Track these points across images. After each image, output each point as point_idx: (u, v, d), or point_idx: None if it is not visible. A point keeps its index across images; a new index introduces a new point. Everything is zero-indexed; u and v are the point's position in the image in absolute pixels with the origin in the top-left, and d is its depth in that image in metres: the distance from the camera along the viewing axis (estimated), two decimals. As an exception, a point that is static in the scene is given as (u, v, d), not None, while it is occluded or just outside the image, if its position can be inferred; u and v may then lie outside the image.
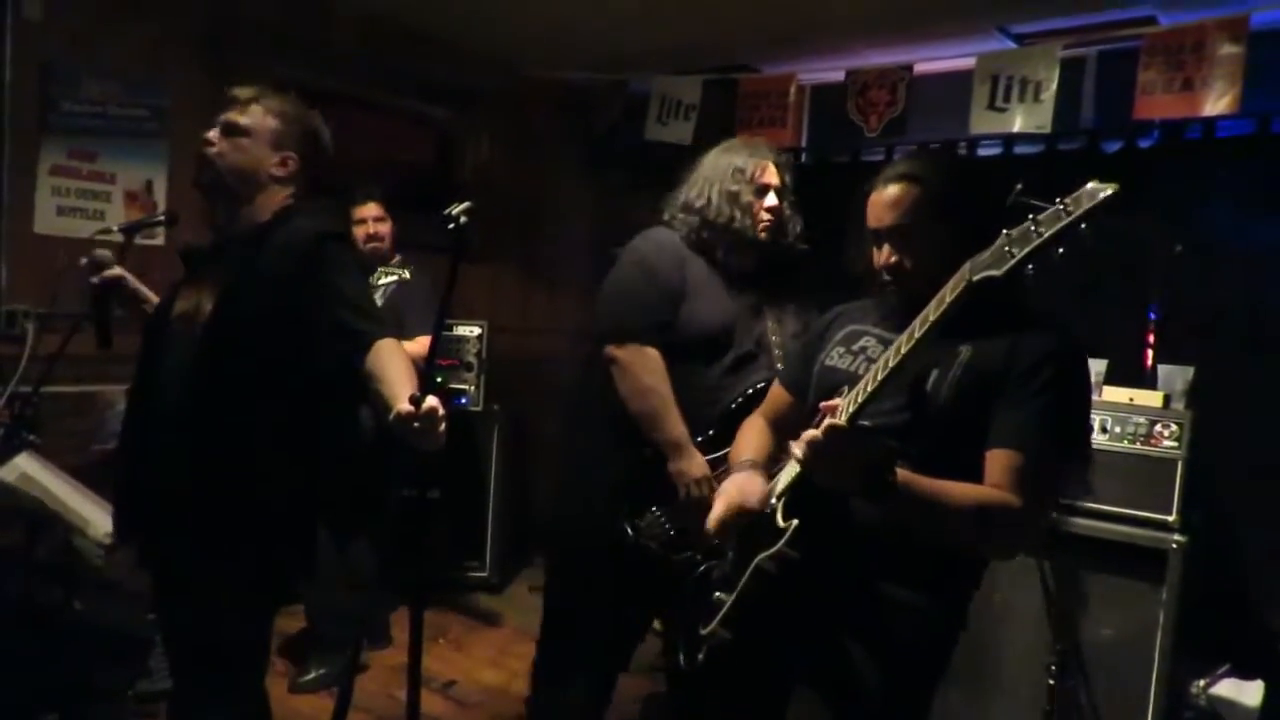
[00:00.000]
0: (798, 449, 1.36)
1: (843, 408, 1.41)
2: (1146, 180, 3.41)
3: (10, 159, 3.10)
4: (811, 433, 1.34)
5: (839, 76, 3.96)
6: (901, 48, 3.83)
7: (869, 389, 1.38)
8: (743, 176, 2.19)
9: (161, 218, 2.63)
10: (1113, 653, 2.68)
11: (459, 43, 4.39)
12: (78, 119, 3.24)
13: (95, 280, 1.94)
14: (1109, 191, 1.22)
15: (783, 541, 1.46)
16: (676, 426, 2.11)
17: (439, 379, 4.03)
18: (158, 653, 2.65)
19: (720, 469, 2.07)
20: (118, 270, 1.96)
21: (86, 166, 3.28)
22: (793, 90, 4.08)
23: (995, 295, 1.35)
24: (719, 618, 1.60)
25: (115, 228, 2.29)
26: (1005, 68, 3.49)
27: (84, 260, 1.96)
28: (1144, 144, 3.45)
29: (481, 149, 4.70)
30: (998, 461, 1.42)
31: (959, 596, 1.58)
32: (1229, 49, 3.03)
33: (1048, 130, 3.43)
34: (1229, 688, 2.82)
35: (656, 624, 2.56)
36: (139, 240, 2.40)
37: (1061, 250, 1.26)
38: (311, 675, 3.14)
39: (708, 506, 2.02)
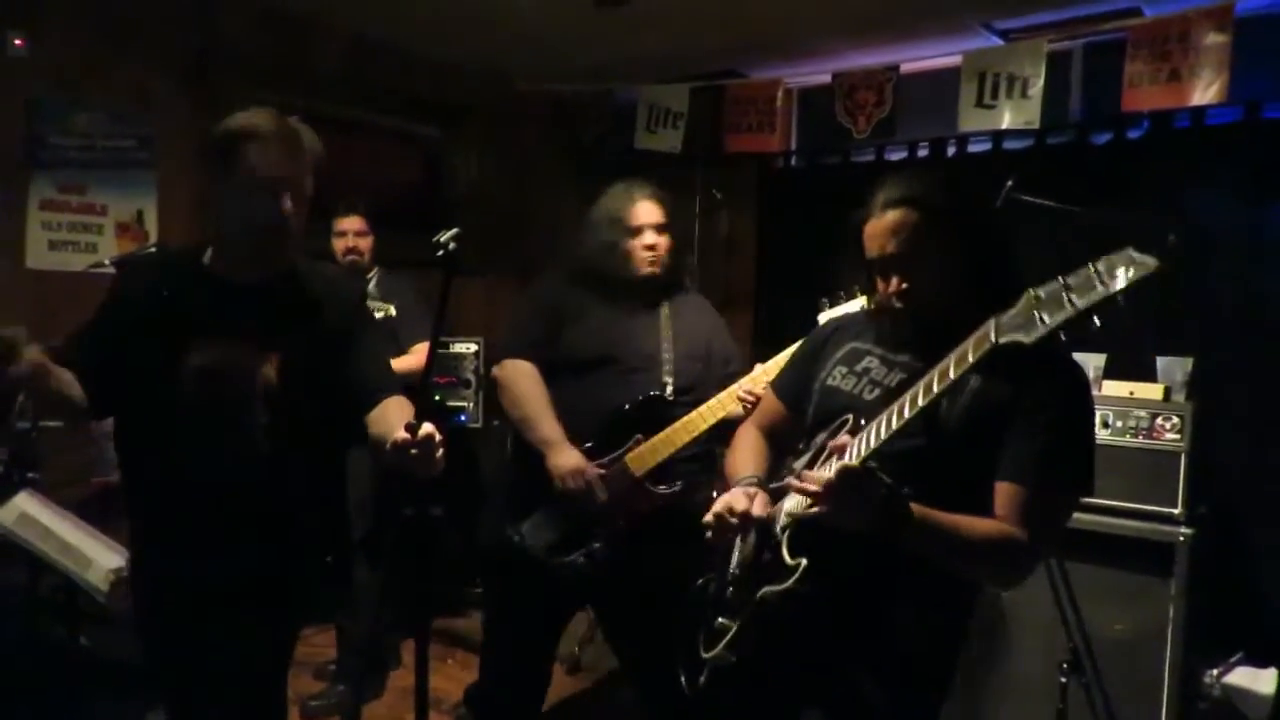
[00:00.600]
0: (808, 486, 1.36)
1: (853, 449, 1.40)
2: (1137, 171, 3.42)
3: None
4: (823, 475, 1.34)
5: (826, 79, 3.96)
6: (887, 48, 3.83)
7: (881, 434, 1.37)
8: (619, 224, 2.35)
9: (153, 249, 2.63)
10: (1124, 647, 2.67)
11: (445, 60, 4.40)
12: (66, 152, 3.24)
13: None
14: (1151, 269, 1.14)
15: (793, 580, 1.44)
16: (548, 427, 2.27)
17: (436, 396, 4.02)
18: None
19: (609, 471, 2.25)
20: (35, 357, 1.63)
21: (76, 199, 3.28)
22: (780, 94, 4.08)
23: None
24: (724, 642, 1.58)
25: (108, 260, 2.30)
26: (992, 64, 3.49)
27: None
28: (1134, 135, 3.45)
29: (471, 165, 4.70)
30: (1004, 494, 1.42)
31: (960, 610, 1.58)
32: (1215, 38, 3.03)
33: (1036, 125, 3.43)
34: (1243, 676, 2.81)
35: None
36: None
37: (1099, 322, 1.19)
38: (321, 701, 3.13)
39: (585, 500, 2.19)
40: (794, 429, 1.74)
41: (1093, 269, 1.17)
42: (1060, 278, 1.20)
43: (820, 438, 1.55)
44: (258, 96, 3.76)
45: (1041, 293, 1.21)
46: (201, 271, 1.75)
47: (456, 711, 3.14)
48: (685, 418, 2.29)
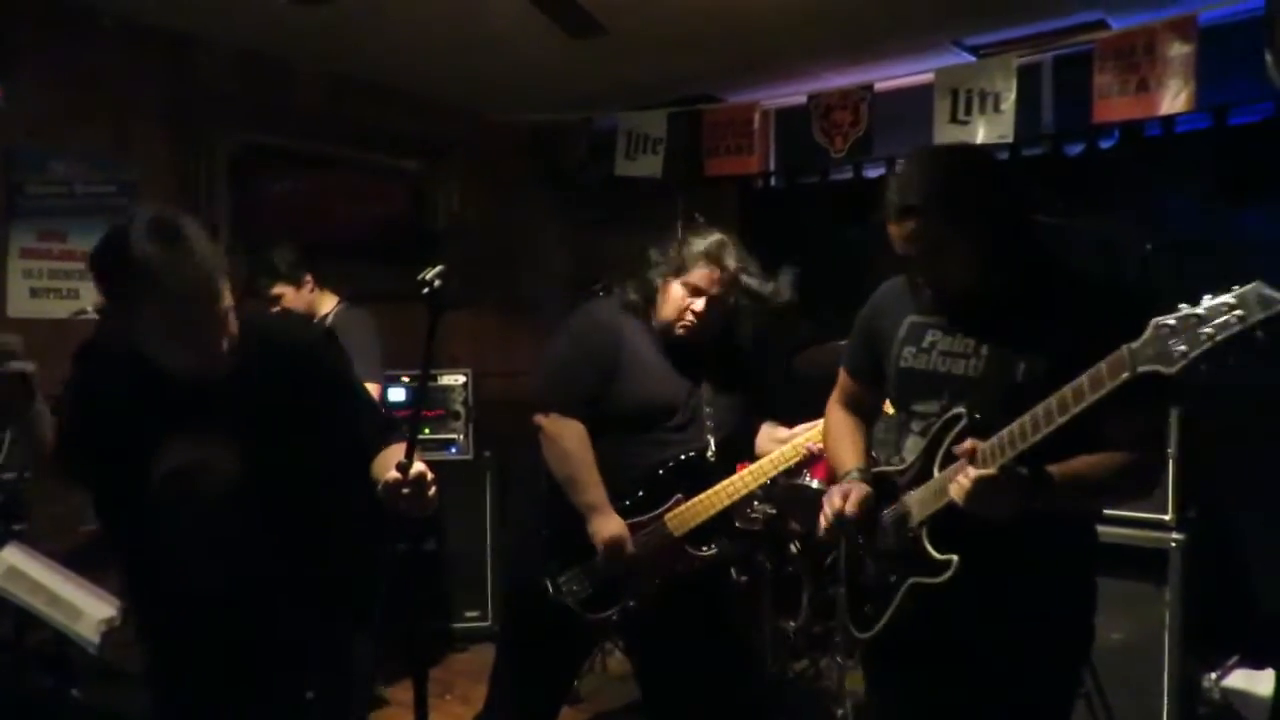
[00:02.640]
0: (953, 491, 1.47)
1: (985, 453, 1.46)
2: (1111, 180, 3.47)
3: (-21, 245, 3.08)
4: (963, 482, 1.44)
5: (802, 100, 4.01)
6: (861, 68, 3.89)
7: (1018, 445, 1.43)
8: (681, 272, 2.26)
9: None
10: (1123, 655, 2.67)
11: (423, 94, 4.42)
12: (45, 200, 3.23)
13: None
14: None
15: (947, 574, 1.53)
16: (592, 491, 2.23)
17: (426, 429, 4.01)
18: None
19: (648, 529, 2.25)
20: (29, 366, 1.62)
21: (57, 247, 3.27)
22: (757, 117, 4.12)
23: (1028, 276, 1.54)
24: (880, 625, 1.67)
25: (91, 307, 2.28)
26: (964, 81, 3.55)
27: None
28: (1105, 145, 3.50)
29: (452, 197, 4.71)
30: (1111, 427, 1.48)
31: (1089, 565, 1.69)
32: (1180, 48, 3.08)
33: (1010, 139, 3.47)
34: (1241, 679, 2.82)
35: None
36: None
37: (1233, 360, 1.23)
38: None
39: (623, 566, 2.20)
40: (876, 399, 1.90)
41: (1223, 301, 1.21)
42: (1187, 307, 1.23)
43: (927, 426, 1.65)
44: (237, 138, 3.80)
45: (1170, 321, 1.24)
46: (153, 368, 1.61)
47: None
48: (726, 481, 2.27)
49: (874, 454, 1.88)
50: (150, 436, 1.62)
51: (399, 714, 3.34)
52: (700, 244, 2.27)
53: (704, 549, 2.28)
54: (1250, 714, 2.76)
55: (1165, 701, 2.63)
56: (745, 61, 3.90)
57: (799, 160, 4.24)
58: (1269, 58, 2.90)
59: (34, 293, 3.22)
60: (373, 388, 3.27)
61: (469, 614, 4.07)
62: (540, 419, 2.30)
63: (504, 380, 4.61)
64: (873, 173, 4.10)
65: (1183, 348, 1.22)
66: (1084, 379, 1.36)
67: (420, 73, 4.14)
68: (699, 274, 2.24)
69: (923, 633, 1.63)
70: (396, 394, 4.00)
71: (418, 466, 1.50)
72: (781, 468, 2.31)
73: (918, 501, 1.62)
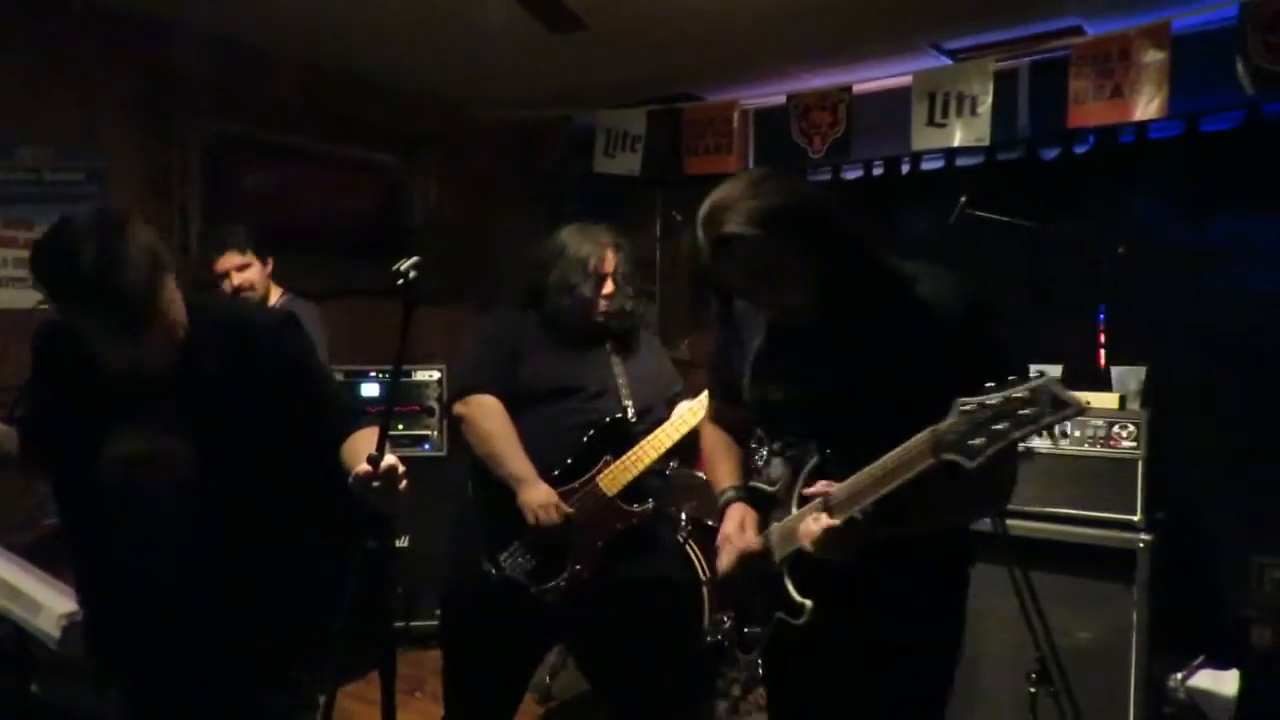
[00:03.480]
0: (803, 539, 1.47)
1: (837, 500, 1.45)
2: (1085, 185, 3.50)
3: (-57, 232, 3.02)
4: (813, 529, 1.44)
5: (781, 100, 4.02)
6: (840, 69, 3.90)
7: (861, 501, 1.41)
8: (583, 269, 2.35)
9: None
10: (1090, 655, 2.70)
11: (401, 88, 4.39)
12: (11, 187, 3.17)
13: None
14: (1075, 414, 1.22)
15: (804, 617, 1.53)
16: (515, 462, 2.27)
17: (399, 425, 3.98)
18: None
19: (581, 493, 2.31)
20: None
21: (24, 235, 3.20)
22: (736, 116, 4.13)
23: (864, 297, 1.51)
24: (756, 651, 1.68)
25: (55, 297, 2.24)
26: (942, 84, 3.57)
27: None
28: (1080, 150, 3.53)
29: (429, 192, 4.68)
30: None
31: (958, 584, 1.67)
32: (1153, 55, 3.12)
33: (987, 142, 3.50)
34: (1206, 679, 2.85)
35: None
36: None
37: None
38: None
39: (558, 529, 2.23)
40: (743, 418, 1.81)
41: (1019, 396, 1.22)
42: (983, 400, 1.24)
43: (785, 450, 1.63)
44: (209, 126, 3.75)
45: (970, 406, 1.25)
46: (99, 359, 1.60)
47: (426, 747, 3.08)
48: (651, 435, 2.36)
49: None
50: (99, 426, 1.60)
51: (368, 711, 3.31)
52: (577, 235, 2.42)
53: (638, 505, 2.35)
54: (1215, 714, 2.79)
55: (1132, 701, 2.66)
56: (725, 61, 3.90)
57: (777, 160, 4.24)
58: (1240, 66, 2.94)
59: (0, 282, 3.15)
60: None
61: (439, 612, 4.04)
62: (459, 407, 2.39)
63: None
64: (851, 174, 4.12)
65: (980, 441, 1.24)
66: (895, 457, 1.36)
67: (399, 65, 4.10)
68: (595, 261, 2.36)
69: (798, 659, 1.66)
70: (369, 389, 3.97)
71: (389, 460, 1.48)
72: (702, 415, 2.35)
73: (778, 537, 1.61)
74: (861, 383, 1.50)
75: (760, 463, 1.72)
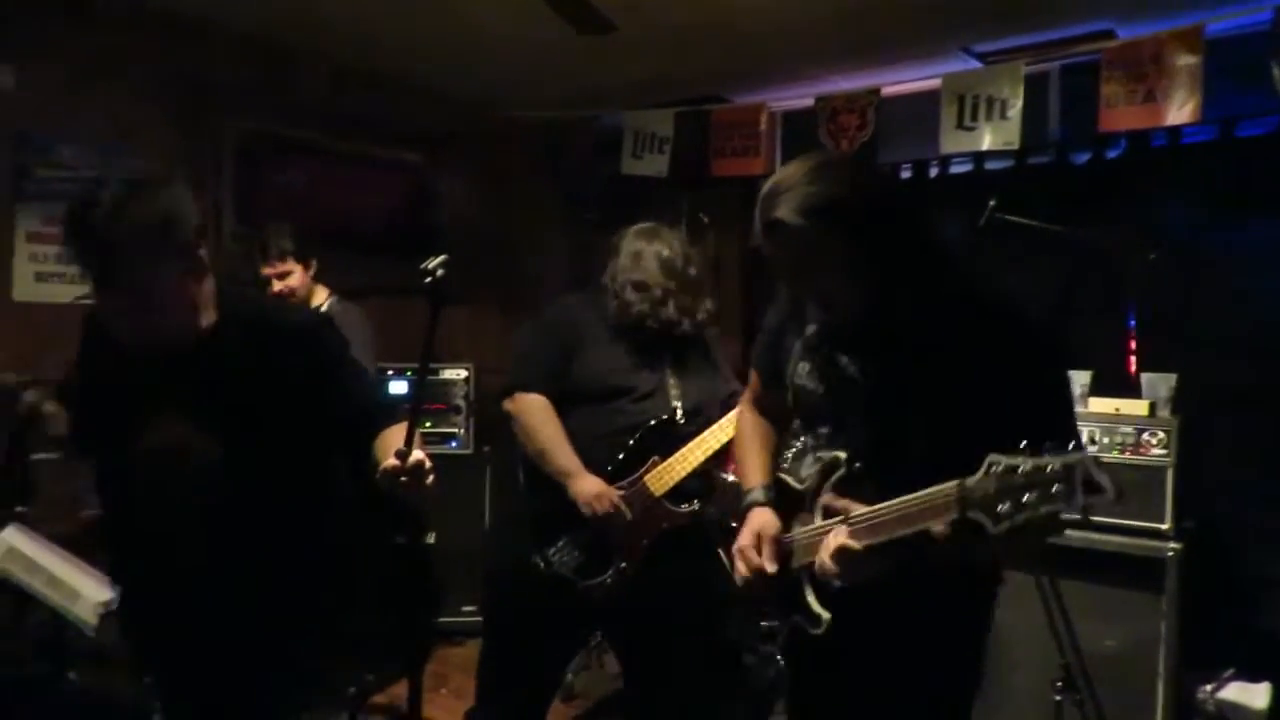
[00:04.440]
0: (820, 555, 1.43)
1: (858, 524, 1.42)
2: (1117, 190, 3.47)
3: (-14, 228, 3.09)
4: (829, 548, 1.41)
5: (809, 102, 4.01)
6: (869, 72, 3.89)
7: (880, 536, 1.38)
8: (669, 269, 2.38)
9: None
10: (1117, 664, 2.67)
11: (429, 87, 4.43)
12: (52, 185, 3.24)
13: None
14: (1107, 500, 1.16)
15: (821, 629, 1.51)
16: (564, 457, 2.31)
17: (427, 423, 4.02)
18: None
19: (629, 492, 2.32)
20: (50, 408, 1.80)
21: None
22: (764, 119, 4.13)
23: (921, 301, 1.43)
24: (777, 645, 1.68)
25: (95, 293, 2.29)
26: (971, 87, 3.55)
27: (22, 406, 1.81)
28: (1112, 154, 3.50)
29: (456, 191, 4.72)
30: None
31: (984, 600, 1.61)
32: (1186, 59, 3.09)
33: (1016, 146, 3.48)
34: (1236, 691, 2.82)
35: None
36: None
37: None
38: None
39: (611, 522, 2.25)
40: (782, 403, 1.75)
41: (1054, 469, 1.16)
42: (1015, 464, 1.19)
43: (818, 451, 1.59)
44: (243, 126, 3.81)
45: (1002, 465, 1.21)
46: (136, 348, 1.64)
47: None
48: (699, 436, 2.37)
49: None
50: (134, 416, 1.62)
51: (392, 704, 3.35)
52: (658, 238, 2.45)
53: (685, 506, 2.36)
54: (1243, 726, 2.76)
55: (1159, 712, 2.63)
56: (753, 63, 3.91)
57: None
58: (1275, 70, 2.91)
59: (39, 277, 3.22)
60: None
61: (465, 608, 4.07)
62: (507, 404, 2.41)
63: (505, 376, 4.62)
64: (878, 177, 4.10)
65: (1006, 508, 1.20)
66: (920, 501, 1.32)
67: (428, 66, 4.14)
68: (655, 271, 2.38)
69: (814, 663, 1.66)
70: (397, 387, 4.01)
71: (416, 454, 1.50)
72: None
73: (800, 545, 1.59)
74: (899, 399, 1.45)
75: (792, 454, 1.69)
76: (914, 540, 1.35)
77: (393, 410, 1.76)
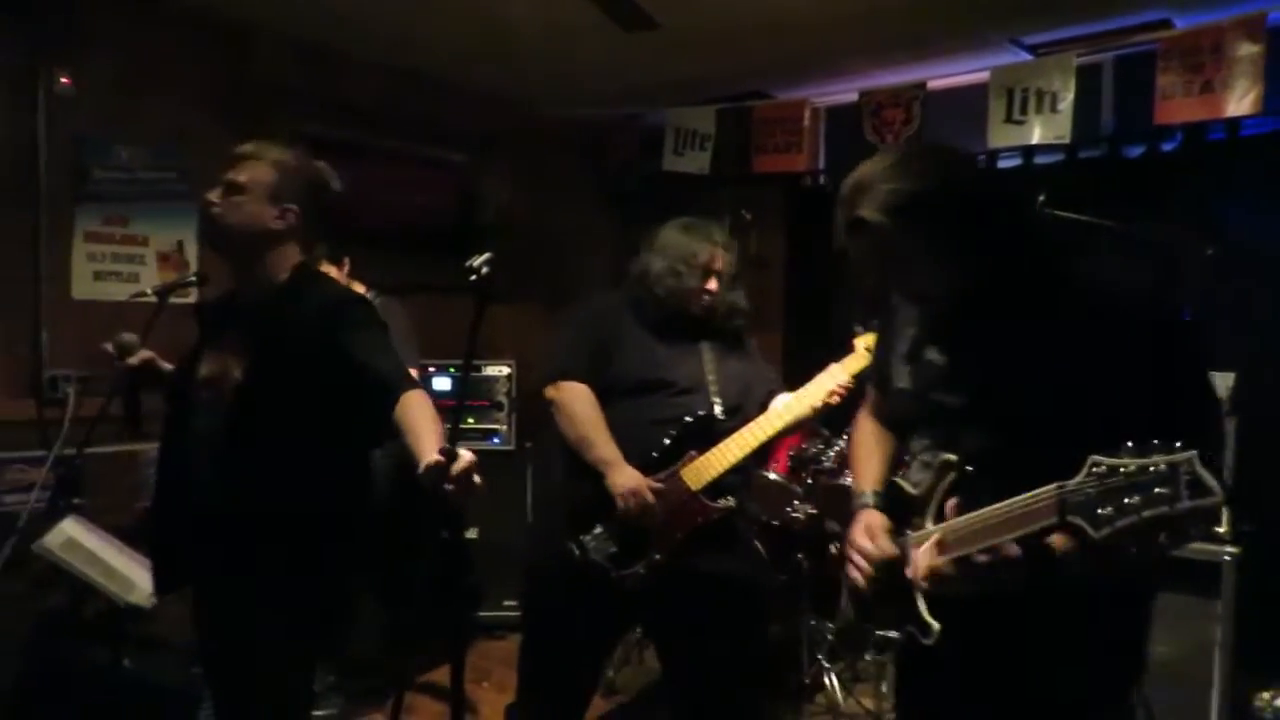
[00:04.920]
0: (918, 571, 1.39)
1: (954, 534, 1.36)
2: (1172, 184, 3.38)
3: (47, 229, 3.19)
4: (922, 566, 1.38)
5: (853, 97, 3.97)
6: (914, 65, 3.84)
7: (972, 545, 1.33)
8: (694, 261, 2.40)
9: (193, 278, 2.68)
10: (1171, 670, 2.60)
11: (474, 88, 4.47)
12: (109, 186, 3.33)
13: (121, 365, 1.96)
14: (1216, 502, 1.08)
15: (930, 641, 1.43)
16: (604, 447, 2.32)
17: (470, 419, 4.07)
18: (206, 707, 2.66)
19: (665, 486, 2.32)
20: (146, 354, 1.98)
21: (120, 231, 3.37)
22: (807, 114, 4.10)
23: (1028, 292, 1.36)
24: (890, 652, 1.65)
25: (150, 290, 2.35)
26: (1021, 79, 3.49)
27: (108, 346, 1.99)
28: (1167, 148, 3.41)
29: (500, 190, 4.75)
30: None
31: (1128, 620, 1.48)
32: (1247, 48, 3.00)
33: (1067, 140, 3.41)
34: (1295, 699, 2.73)
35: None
36: (173, 300, 2.46)
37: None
38: (322, 712, 3.14)
39: (644, 516, 2.25)
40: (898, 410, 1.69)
41: (1158, 470, 1.11)
42: (1117, 464, 1.14)
43: (927, 456, 1.53)
44: (293, 127, 3.87)
45: (1104, 466, 1.15)
46: (229, 297, 2.00)
47: (492, 734, 3.14)
48: (737, 433, 2.36)
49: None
50: (200, 350, 1.92)
51: (441, 701, 3.39)
52: (691, 230, 2.48)
53: (721, 501, 2.35)
54: (1304, 736, 2.68)
55: (1214, 718, 2.56)
56: (796, 58, 3.88)
57: (848, 159, 4.18)
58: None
59: (97, 275, 3.32)
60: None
61: (506, 603, 4.10)
62: (549, 391, 2.42)
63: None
64: (924, 172, 4.04)
65: (1108, 512, 1.14)
66: (1019, 505, 1.26)
67: (472, 66, 4.18)
68: (707, 257, 2.41)
69: (927, 678, 1.57)
70: (440, 383, 4.06)
71: (465, 455, 1.51)
72: (789, 420, 2.37)
73: (914, 548, 1.51)
74: (1006, 397, 1.38)
75: (909, 459, 1.62)
76: (1024, 549, 1.27)
77: (413, 382, 1.82)
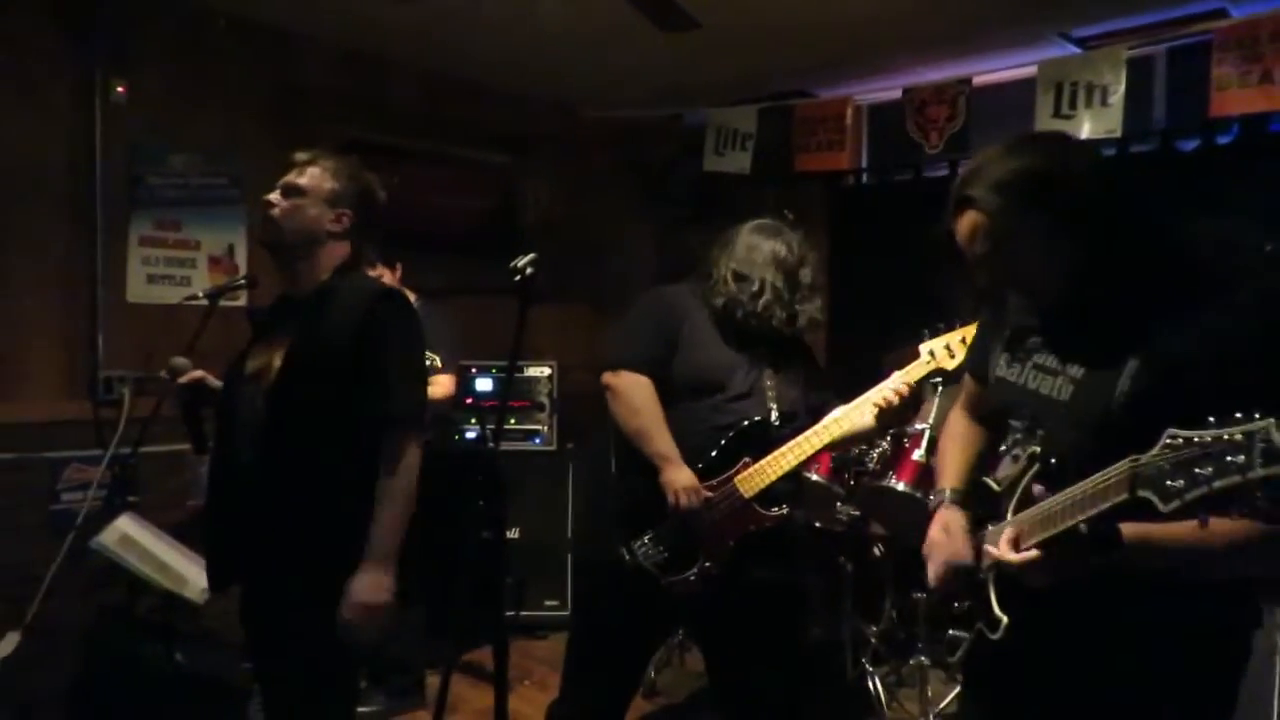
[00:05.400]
0: (1008, 560, 1.32)
1: (1024, 527, 1.32)
2: (1229, 178, 3.28)
3: (104, 234, 3.28)
4: (991, 554, 1.33)
5: (896, 95, 3.93)
6: (959, 61, 3.78)
7: (1038, 534, 1.29)
8: (783, 267, 2.36)
9: (243, 281, 2.74)
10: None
11: (515, 90, 4.50)
12: (163, 191, 3.42)
13: (174, 386, 2.04)
14: None
15: (1000, 633, 1.39)
16: (662, 441, 2.28)
17: (512, 419, 4.09)
18: (255, 701, 2.72)
19: (719, 492, 2.29)
20: (197, 373, 2.05)
21: (172, 235, 3.45)
22: (849, 112, 4.06)
23: (1136, 284, 1.30)
24: (960, 652, 1.54)
25: (201, 293, 2.41)
26: (1069, 73, 3.42)
27: (163, 373, 2.08)
28: (1223, 141, 3.32)
29: (541, 192, 4.78)
30: None
31: (1235, 621, 1.38)
32: (1308, 37, 2.90)
33: (1118, 134, 3.33)
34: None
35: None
36: (223, 303, 2.52)
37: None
38: (363, 709, 3.18)
39: (696, 517, 2.22)
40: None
41: (1230, 439, 1.06)
42: (1194, 435, 1.09)
43: (1017, 448, 1.49)
44: (338, 132, 3.94)
45: (1180, 438, 1.11)
46: (280, 299, 2.06)
47: (534, 733, 3.16)
48: (793, 441, 2.32)
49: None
50: (250, 347, 2.00)
51: (478, 694, 3.43)
52: (783, 237, 2.41)
53: (774, 509, 2.31)
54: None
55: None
56: (838, 56, 3.84)
57: (892, 156, 4.15)
58: None
59: (150, 279, 3.40)
60: (448, 379, 3.38)
61: (548, 603, 4.13)
62: (609, 377, 2.37)
63: (589, 374, 4.66)
64: (969, 169, 3.98)
65: (1180, 484, 1.08)
66: (1092, 483, 1.21)
67: (513, 69, 4.21)
68: (799, 265, 2.36)
69: (993, 681, 1.53)
70: (483, 383, 4.09)
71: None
72: (847, 430, 2.30)
73: (992, 549, 1.45)
74: (1103, 391, 1.31)
75: (1003, 451, 1.57)
76: (1090, 530, 1.22)
77: (417, 420, 1.88)
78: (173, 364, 2.06)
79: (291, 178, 1.99)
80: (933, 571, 1.55)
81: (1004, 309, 1.57)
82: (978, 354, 1.70)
